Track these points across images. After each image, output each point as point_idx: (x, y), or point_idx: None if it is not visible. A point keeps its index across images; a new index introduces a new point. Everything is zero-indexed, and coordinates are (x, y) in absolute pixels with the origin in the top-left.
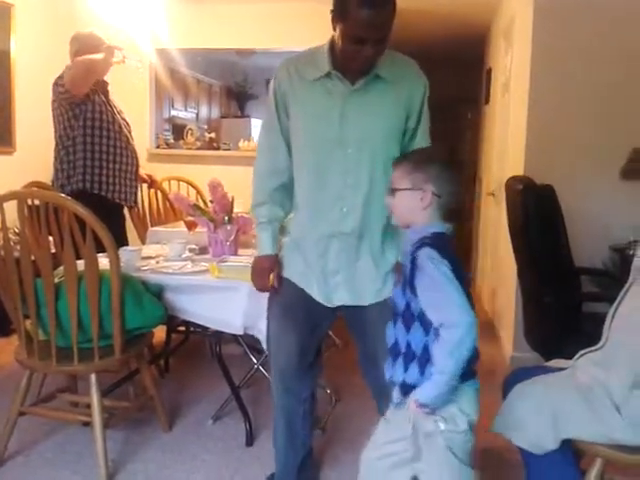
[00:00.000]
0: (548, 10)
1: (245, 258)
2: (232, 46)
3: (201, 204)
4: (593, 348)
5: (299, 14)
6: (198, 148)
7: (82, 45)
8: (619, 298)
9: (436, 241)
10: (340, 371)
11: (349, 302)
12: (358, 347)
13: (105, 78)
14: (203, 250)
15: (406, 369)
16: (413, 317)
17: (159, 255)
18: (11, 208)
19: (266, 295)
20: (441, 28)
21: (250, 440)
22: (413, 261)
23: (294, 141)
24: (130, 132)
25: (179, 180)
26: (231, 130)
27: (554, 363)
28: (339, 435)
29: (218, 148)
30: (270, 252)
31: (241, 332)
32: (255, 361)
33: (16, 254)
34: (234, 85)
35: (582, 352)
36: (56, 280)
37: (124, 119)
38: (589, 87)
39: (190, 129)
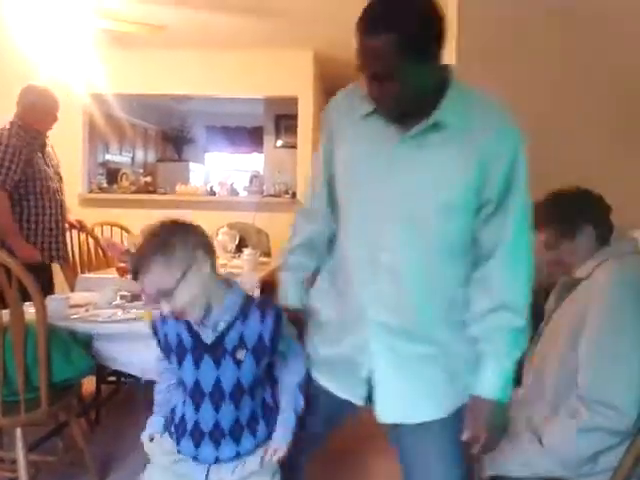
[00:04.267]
0: None
1: None
2: (167, 92)
3: (133, 250)
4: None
5: (234, 62)
6: (133, 192)
7: (30, 103)
8: None
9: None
10: None
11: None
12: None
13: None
14: (136, 297)
15: (238, 443)
16: (225, 394)
17: (89, 303)
18: None
19: None
20: None
21: None
22: None
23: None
24: (61, 186)
25: (112, 225)
26: (168, 174)
27: None
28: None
29: (154, 192)
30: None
31: None
32: None
33: None
34: (169, 130)
35: None
36: None
37: (58, 173)
38: None
39: (124, 173)
